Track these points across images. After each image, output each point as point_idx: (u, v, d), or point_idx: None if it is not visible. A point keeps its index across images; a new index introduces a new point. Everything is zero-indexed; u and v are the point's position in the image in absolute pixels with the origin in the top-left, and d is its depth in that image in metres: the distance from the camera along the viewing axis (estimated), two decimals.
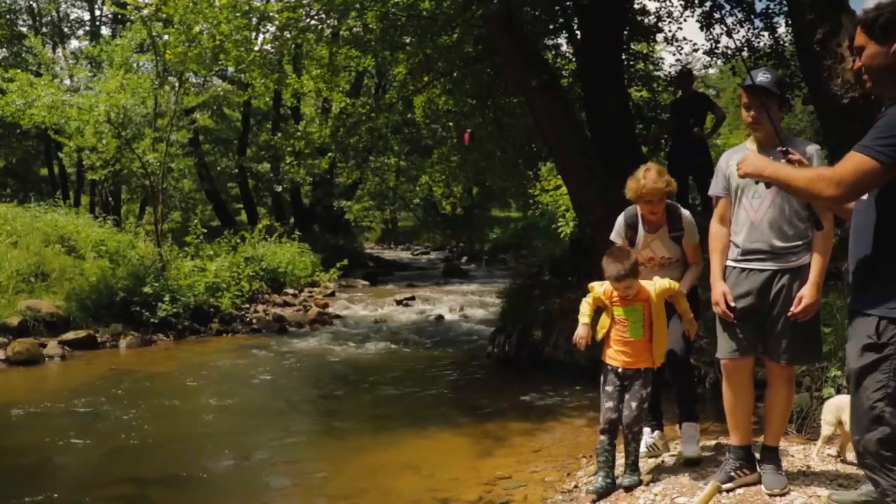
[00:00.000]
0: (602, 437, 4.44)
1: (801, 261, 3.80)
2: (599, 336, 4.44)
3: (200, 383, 8.71)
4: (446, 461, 5.65)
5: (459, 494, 4.87)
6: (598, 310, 4.50)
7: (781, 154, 3.37)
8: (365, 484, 5.25)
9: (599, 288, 4.41)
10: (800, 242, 3.81)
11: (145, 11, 10.39)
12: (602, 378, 4.51)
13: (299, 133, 12.40)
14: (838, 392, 5.84)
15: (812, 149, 3.80)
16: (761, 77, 3.77)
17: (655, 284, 4.35)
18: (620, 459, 4.49)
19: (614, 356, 4.39)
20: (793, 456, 4.69)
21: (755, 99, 3.77)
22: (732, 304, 3.86)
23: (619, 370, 4.38)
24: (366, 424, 6.97)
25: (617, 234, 4.85)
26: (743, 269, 3.90)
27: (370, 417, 7.23)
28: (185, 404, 7.74)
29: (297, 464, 5.84)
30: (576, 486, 4.71)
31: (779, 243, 3.80)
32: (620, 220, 4.85)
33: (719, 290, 3.92)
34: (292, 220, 27.21)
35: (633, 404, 4.33)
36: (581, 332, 4.33)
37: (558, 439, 6.08)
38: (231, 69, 16.58)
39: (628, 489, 4.31)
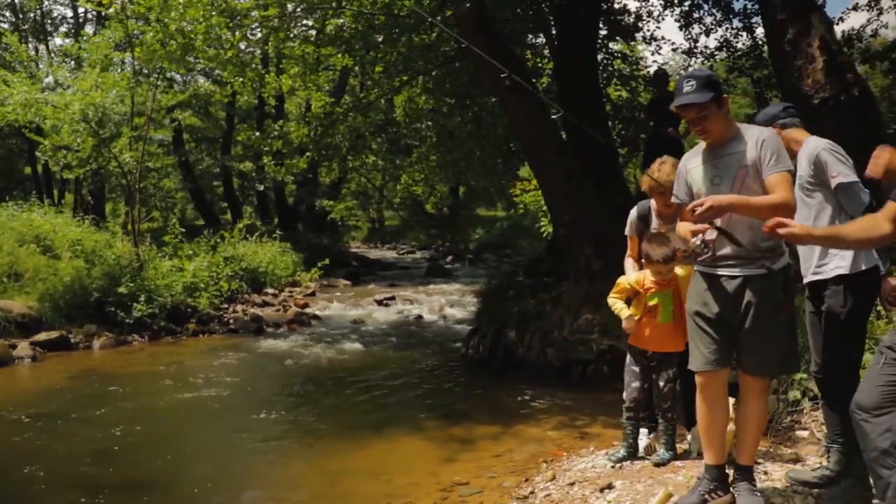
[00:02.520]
0: (627, 415, 4.80)
1: (778, 264, 3.58)
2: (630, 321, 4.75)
3: (170, 385, 8.61)
4: (408, 466, 5.58)
5: (415, 501, 4.81)
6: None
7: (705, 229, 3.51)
8: (322, 489, 5.18)
9: (629, 279, 4.78)
10: (768, 245, 3.56)
11: (111, 9, 10.26)
12: (628, 359, 4.84)
13: (276, 132, 12.31)
14: (804, 395, 5.81)
15: (763, 134, 3.56)
16: (686, 88, 3.55)
17: (681, 271, 4.61)
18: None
19: (644, 340, 4.70)
20: (759, 461, 4.64)
21: (691, 113, 3.59)
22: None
23: (648, 353, 4.71)
24: (331, 428, 6.88)
25: (629, 227, 5.05)
26: (713, 276, 3.68)
27: (336, 421, 7.14)
28: (151, 407, 7.64)
29: (256, 469, 5.76)
30: (532, 493, 4.65)
31: (747, 248, 3.57)
32: (633, 212, 5.04)
33: (685, 226, 3.69)
34: (276, 219, 27.10)
35: (661, 383, 4.67)
36: (628, 325, 4.72)
37: (522, 443, 6.01)
38: (215, 68, 16.49)
39: (658, 465, 4.59)
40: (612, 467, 4.73)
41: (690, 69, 3.88)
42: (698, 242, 3.54)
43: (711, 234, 3.51)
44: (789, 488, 4.09)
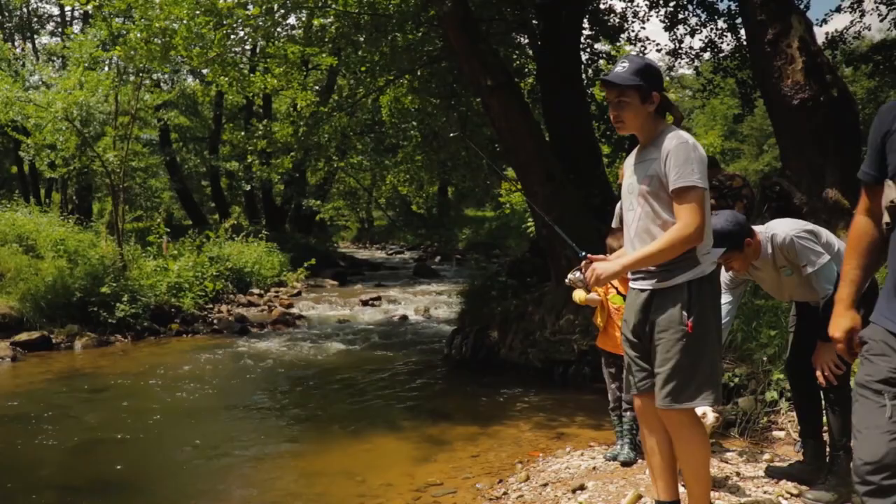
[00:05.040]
0: (614, 415, 4.91)
1: (676, 280, 3.15)
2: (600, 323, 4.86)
3: (150, 385, 8.57)
4: (383, 467, 5.55)
5: (388, 501, 4.77)
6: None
7: (580, 263, 3.34)
8: (295, 490, 5.15)
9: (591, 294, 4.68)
10: (674, 258, 3.14)
11: (89, 6, 10.20)
12: (602, 361, 4.94)
13: (260, 132, 12.26)
14: (780, 396, 5.82)
15: (672, 142, 3.11)
16: (618, 68, 3.20)
17: None
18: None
19: (610, 342, 4.74)
20: (727, 462, 4.64)
21: (611, 93, 3.22)
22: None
23: (614, 356, 4.71)
24: (308, 429, 6.86)
25: (615, 219, 5.13)
26: (631, 289, 3.38)
27: (314, 421, 7.12)
28: (130, 407, 7.58)
29: (230, 470, 5.71)
30: (505, 493, 4.63)
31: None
32: (619, 205, 4.98)
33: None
34: (264, 219, 27.03)
35: None
36: (579, 297, 4.67)
37: (499, 444, 5.99)
38: (199, 68, 16.42)
39: (625, 465, 4.67)
40: (593, 469, 4.74)
41: (635, 53, 3.53)
42: (579, 277, 3.42)
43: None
44: (760, 488, 4.09)
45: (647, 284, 3.24)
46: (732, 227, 3.72)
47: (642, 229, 3.20)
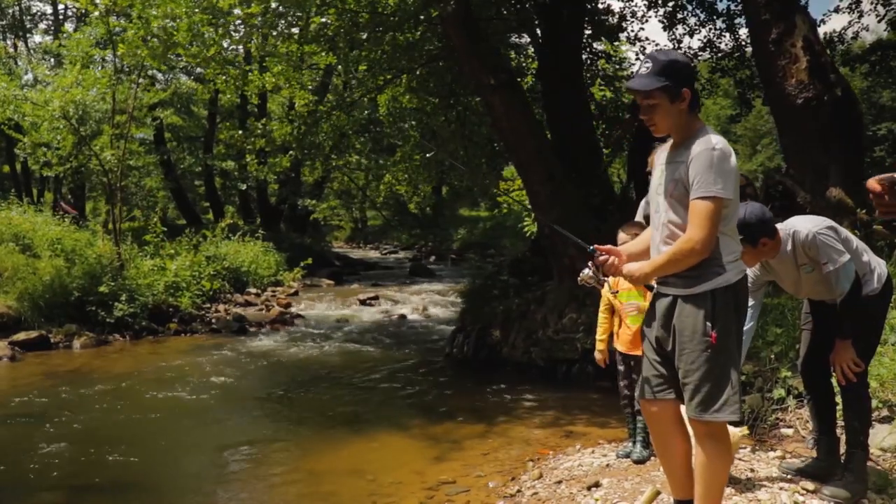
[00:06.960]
0: (626, 412, 4.94)
1: (700, 288, 3.05)
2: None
3: (151, 385, 8.51)
4: (392, 465, 5.53)
5: (400, 500, 4.76)
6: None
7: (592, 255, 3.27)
8: (305, 490, 5.13)
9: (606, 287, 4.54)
10: (699, 265, 3.05)
11: (96, 12, 10.15)
12: (616, 357, 4.92)
13: (259, 131, 12.22)
14: (788, 393, 5.84)
15: (700, 147, 3.00)
16: (641, 69, 3.09)
17: None
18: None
19: (620, 341, 4.78)
20: (740, 459, 4.64)
21: (638, 98, 3.13)
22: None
23: (624, 354, 4.77)
24: (314, 428, 6.83)
25: (640, 212, 5.15)
26: (655, 292, 3.27)
27: (319, 421, 7.09)
28: (131, 407, 7.54)
29: (237, 470, 5.68)
30: (519, 491, 4.62)
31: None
32: (644, 200, 5.08)
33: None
34: (259, 218, 26.98)
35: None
36: (598, 357, 4.93)
37: (508, 442, 5.99)
38: (197, 67, 16.36)
39: (638, 462, 4.69)
40: (606, 466, 4.75)
41: (658, 49, 3.33)
42: (590, 273, 3.34)
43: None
44: (776, 485, 4.09)
45: (670, 290, 3.14)
46: (753, 220, 3.69)
47: (668, 235, 3.10)
